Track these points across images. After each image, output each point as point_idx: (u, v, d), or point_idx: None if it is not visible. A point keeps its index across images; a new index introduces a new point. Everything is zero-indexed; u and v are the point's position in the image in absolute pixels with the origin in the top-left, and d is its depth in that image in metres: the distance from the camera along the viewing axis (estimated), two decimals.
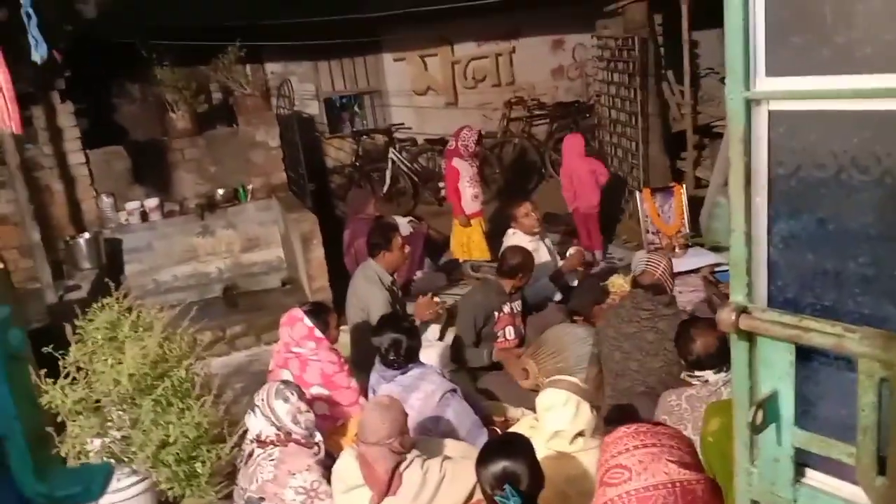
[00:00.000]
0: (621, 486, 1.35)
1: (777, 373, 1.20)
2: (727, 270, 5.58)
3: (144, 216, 6.67)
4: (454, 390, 3.48)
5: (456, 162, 6.47)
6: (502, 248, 5.54)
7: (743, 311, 1.20)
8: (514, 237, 5.43)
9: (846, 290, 1.11)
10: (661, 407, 3.29)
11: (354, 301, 4.71)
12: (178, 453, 3.29)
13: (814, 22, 1.05)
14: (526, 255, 4.55)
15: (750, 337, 1.23)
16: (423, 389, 3.44)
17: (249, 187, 7.01)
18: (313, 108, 8.94)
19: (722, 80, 8.95)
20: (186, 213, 6.81)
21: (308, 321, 3.84)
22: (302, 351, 3.85)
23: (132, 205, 6.64)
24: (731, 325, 1.20)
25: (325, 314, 4.01)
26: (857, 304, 1.10)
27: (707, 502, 1.29)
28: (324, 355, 3.86)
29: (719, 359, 3.16)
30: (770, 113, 1.13)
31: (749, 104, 1.14)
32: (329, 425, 3.71)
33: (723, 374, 3.16)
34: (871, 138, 1.03)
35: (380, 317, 3.99)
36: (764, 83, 1.13)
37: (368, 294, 4.58)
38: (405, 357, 3.56)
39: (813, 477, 1.22)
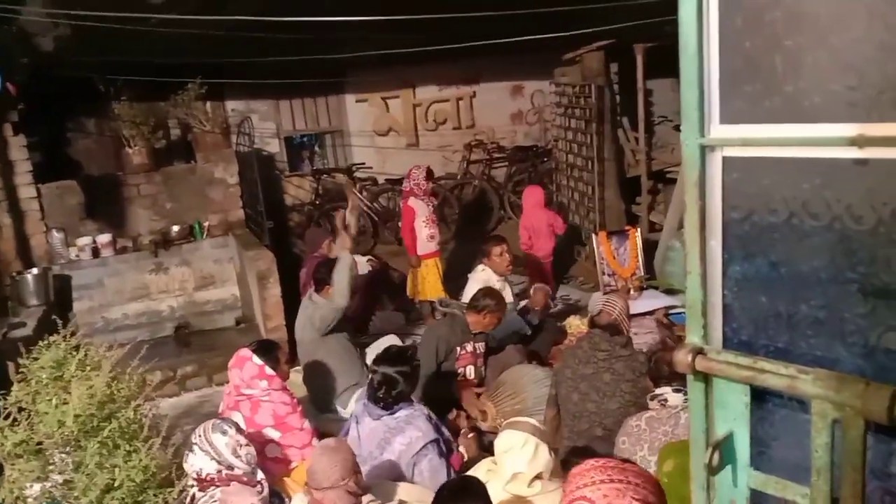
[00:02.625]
0: None
1: (733, 414, 1.21)
2: (681, 313, 5.70)
3: (96, 252, 6.51)
4: (436, 441, 3.42)
5: (412, 201, 6.49)
6: (469, 284, 5.56)
7: (699, 352, 1.22)
8: (484, 274, 5.45)
9: (799, 332, 1.13)
10: (623, 430, 3.35)
11: (305, 334, 4.67)
12: (123, 498, 3.16)
13: (765, 72, 1.10)
14: (500, 299, 4.56)
15: (706, 378, 1.24)
16: (408, 434, 3.37)
17: (206, 224, 6.92)
18: (273, 147, 8.93)
19: (675, 127, 9.23)
20: (140, 250, 6.68)
21: (257, 360, 3.77)
22: (253, 392, 3.76)
23: (83, 240, 6.48)
24: (688, 367, 1.21)
25: (275, 350, 3.94)
26: (809, 345, 1.12)
27: None
28: (276, 396, 3.78)
29: (683, 378, 3.26)
30: (724, 159, 1.17)
31: (703, 150, 1.17)
32: (281, 468, 3.62)
33: (682, 397, 3.23)
34: (820, 185, 1.06)
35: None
36: (718, 130, 1.16)
37: (316, 314, 4.58)
38: (395, 399, 3.49)
39: None
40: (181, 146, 7.64)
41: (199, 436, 3.09)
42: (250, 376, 3.75)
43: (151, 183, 6.85)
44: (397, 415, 3.45)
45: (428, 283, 6.51)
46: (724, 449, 1.21)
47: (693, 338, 1.24)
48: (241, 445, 3.09)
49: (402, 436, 3.36)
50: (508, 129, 9.71)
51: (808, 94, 1.06)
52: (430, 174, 6.63)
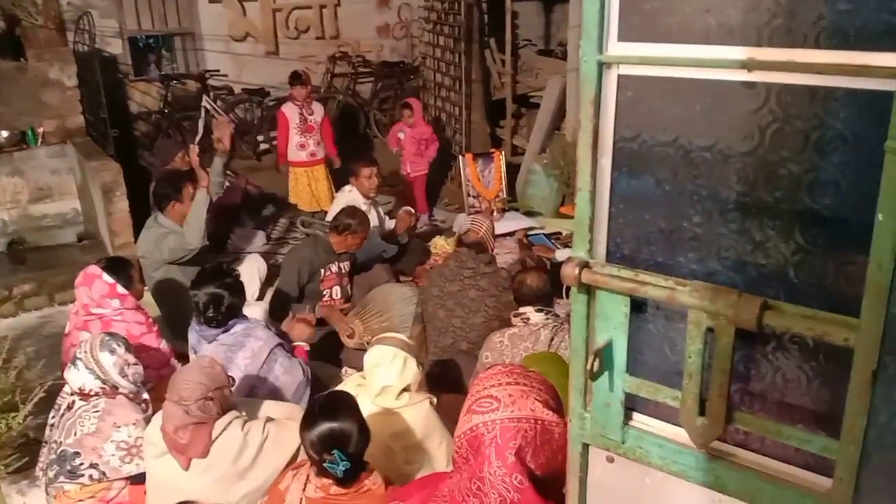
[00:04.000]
0: (488, 414, 1.41)
1: (613, 324, 1.27)
2: (539, 234, 5.93)
3: None
4: (281, 345, 3.37)
5: (285, 107, 6.48)
6: (334, 204, 5.48)
7: (584, 265, 1.26)
8: (350, 195, 5.37)
9: (678, 248, 1.20)
10: (486, 345, 3.50)
11: (154, 256, 4.42)
12: None
13: None
14: (362, 219, 4.50)
15: (589, 290, 1.29)
16: (249, 347, 3.29)
17: (40, 130, 6.27)
18: (116, 48, 8.17)
19: (539, 52, 9.35)
20: None
21: (108, 277, 3.54)
22: (104, 311, 3.55)
23: None
24: (574, 279, 1.26)
25: (127, 268, 3.70)
26: (687, 260, 1.19)
27: (561, 445, 1.38)
28: (129, 315, 3.59)
29: (543, 298, 3.52)
30: (619, 77, 1.18)
31: (601, 67, 1.18)
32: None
33: (542, 316, 3.42)
34: (709, 106, 1.11)
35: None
36: (616, 48, 1.17)
37: (166, 247, 4.32)
38: (225, 314, 3.38)
39: (639, 420, 1.32)
40: (7, 42, 6.79)
41: (85, 352, 2.91)
42: (100, 295, 3.54)
43: None
44: (233, 331, 3.37)
45: (293, 192, 6.52)
46: (603, 356, 1.28)
47: (579, 252, 1.28)
48: (128, 364, 2.96)
49: (244, 350, 3.30)
50: (374, 43, 9.43)
51: (704, 15, 1.08)
52: (294, 78, 6.54)
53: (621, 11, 1.15)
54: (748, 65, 1.04)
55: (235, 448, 2.69)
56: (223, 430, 2.69)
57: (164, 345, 3.70)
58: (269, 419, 2.86)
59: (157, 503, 2.78)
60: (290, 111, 6.46)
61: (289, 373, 3.31)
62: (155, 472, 2.77)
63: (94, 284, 3.55)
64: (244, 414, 2.83)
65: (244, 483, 2.70)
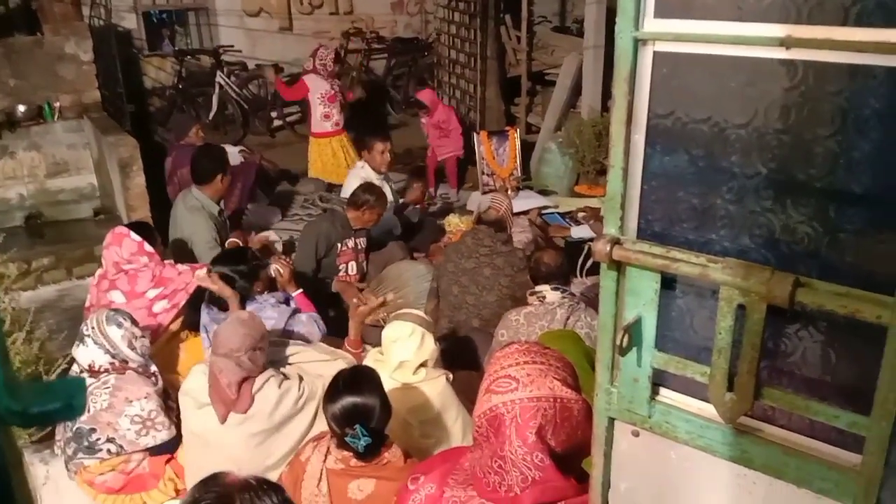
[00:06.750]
0: (507, 394, 1.43)
1: (642, 300, 1.28)
2: (554, 213, 5.93)
3: None
4: (296, 310, 3.45)
5: (308, 77, 6.54)
6: (348, 180, 5.51)
7: (616, 242, 1.27)
8: (363, 171, 5.39)
9: (710, 225, 1.20)
10: (502, 323, 3.54)
11: (177, 233, 4.47)
12: None
13: None
14: (380, 195, 4.54)
15: (619, 267, 1.30)
16: None
17: (56, 105, 6.30)
18: (130, 22, 8.17)
19: (554, 28, 9.27)
20: None
21: (135, 236, 3.68)
22: (132, 267, 3.66)
23: None
24: (606, 256, 1.27)
25: (150, 230, 3.89)
26: (719, 237, 1.20)
27: (580, 421, 1.39)
28: (156, 270, 3.72)
29: (559, 277, 3.57)
30: (655, 54, 1.18)
31: (636, 44, 1.18)
32: (171, 315, 3.64)
33: (559, 295, 3.45)
34: (745, 83, 1.11)
35: (221, 251, 3.82)
36: (651, 24, 1.17)
37: (193, 224, 4.34)
38: None
39: (666, 395, 1.33)
40: (23, 16, 6.79)
41: (92, 328, 2.97)
42: (130, 252, 3.67)
43: None
44: None
45: (316, 164, 6.57)
46: (631, 332, 1.30)
47: (610, 229, 1.29)
48: (136, 337, 3.03)
49: None
50: (388, 19, 9.38)
51: None
52: (338, 56, 6.63)
53: None
54: (786, 42, 1.04)
55: (272, 404, 2.77)
56: (261, 387, 2.78)
57: (182, 267, 3.85)
58: (301, 378, 2.92)
59: (194, 455, 2.85)
60: (314, 81, 6.53)
61: (309, 325, 3.43)
62: (191, 424, 2.84)
63: (124, 243, 3.68)
64: (280, 368, 2.92)
65: (281, 438, 2.78)
